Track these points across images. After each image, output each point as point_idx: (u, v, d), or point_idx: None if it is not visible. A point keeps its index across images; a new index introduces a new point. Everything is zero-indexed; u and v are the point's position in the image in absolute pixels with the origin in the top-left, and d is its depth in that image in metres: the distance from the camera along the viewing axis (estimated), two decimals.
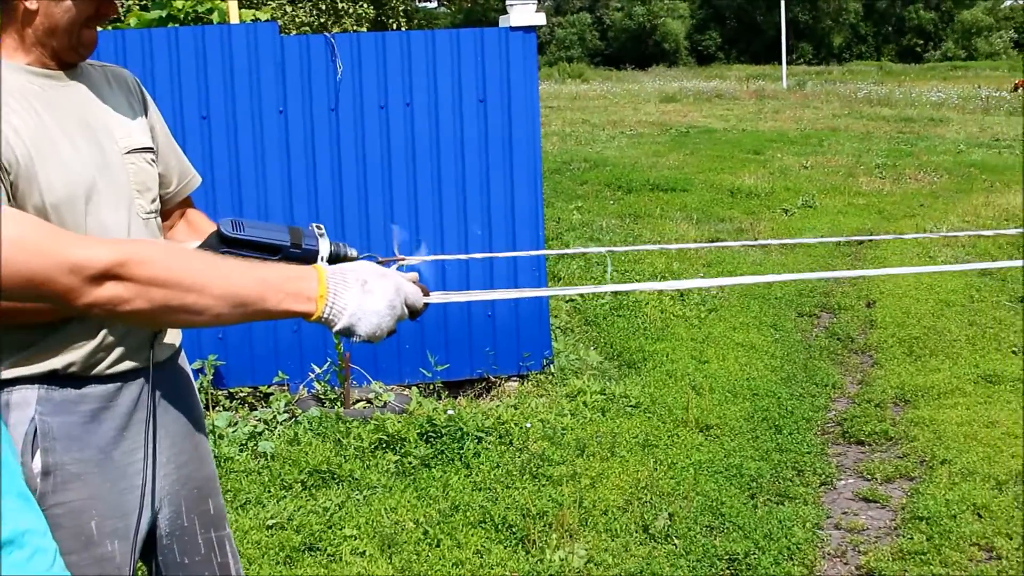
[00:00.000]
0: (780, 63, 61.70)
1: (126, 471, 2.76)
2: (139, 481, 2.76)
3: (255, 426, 6.73)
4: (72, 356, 2.65)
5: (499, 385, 7.85)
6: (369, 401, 7.20)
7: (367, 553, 5.18)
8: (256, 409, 7.24)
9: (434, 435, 6.49)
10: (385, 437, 6.44)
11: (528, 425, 6.77)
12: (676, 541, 5.42)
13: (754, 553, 5.27)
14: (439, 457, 6.31)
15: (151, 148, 2.94)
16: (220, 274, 2.24)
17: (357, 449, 6.39)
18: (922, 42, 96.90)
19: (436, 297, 2.57)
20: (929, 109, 38.42)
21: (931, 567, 5.15)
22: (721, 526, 5.60)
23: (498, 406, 7.18)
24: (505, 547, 5.27)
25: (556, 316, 9.38)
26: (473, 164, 7.59)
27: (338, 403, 7.08)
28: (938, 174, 20.89)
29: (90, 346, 2.68)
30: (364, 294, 2.34)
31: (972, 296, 10.66)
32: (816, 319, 10.33)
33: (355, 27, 16.64)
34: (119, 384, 2.76)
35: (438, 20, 59.28)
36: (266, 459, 6.30)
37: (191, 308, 2.19)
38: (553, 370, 7.93)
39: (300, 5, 16.12)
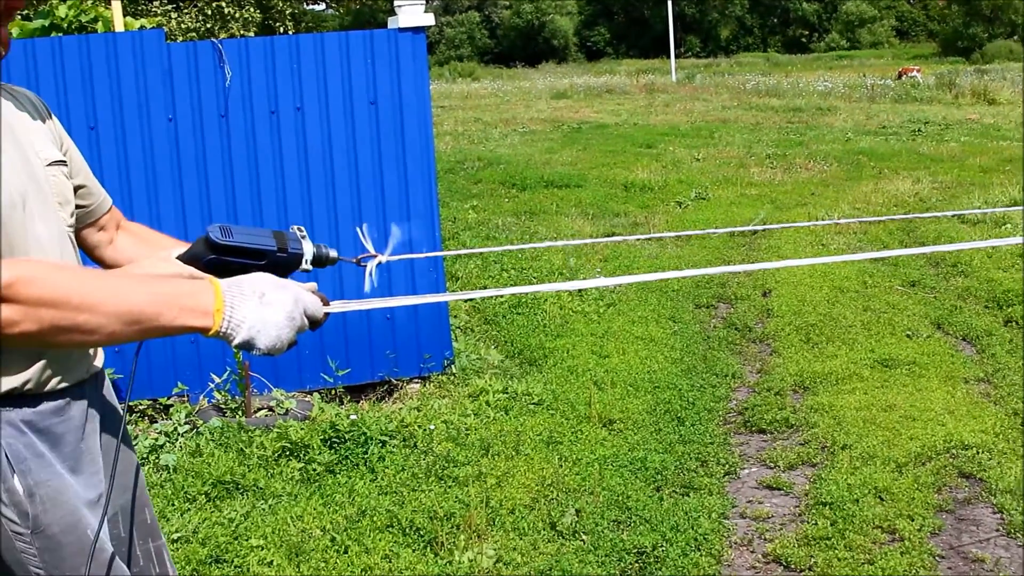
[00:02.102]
0: (669, 57, 62.25)
1: (91, 481, 2.70)
2: (103, 489, 2.72)
3: (156, 439, 6.62)
4: (27, 374, 2.55)
5: (401, 388, 7.81)
6: (271, 409, 7.13)
7: (275, 563, 5.12)
8: (156, 421, 7.13)
9: (338, 441, 6.44)
10: (288, 445, 6.38)
11: (432, 427, 6.75)
12: (584, 537, 5.43)
13: (662, 545, 5.30)
14: (344, 463, 6.27)
15: (64, 162, 2.83)
16: (112, 291, 2.19)
17: (260, 458, 6.32)
18: (807, 33, 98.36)
19: (336, 306, 2.54)
20: (817, 99, 39.01)
21: (836, 552, 5.20)
22: (628, 520, 5.62)
23: (401, 409, 7.15)
24: (413, 550, 5.24)
25: (455, 316, 9.36)
26: (367, 166, 7.54)
27: (239, 412, 7.00)
28: (828, 162, 21.21)
29: (40, 362, 2.58)
30: (262, 306, 2.30)
31: (865, 282, 10.82)
32: (714, 310, 10.42)
33: (242, 32, 16.47)
34: (67, 399, 2.67)
35: (326, 23, 59.00)
36: (168, 472, 6.21)
37: (83, 327, 2.13)
38: (454, 370, 7.91)
39: (186, 11, 15.92)
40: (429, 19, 7.53)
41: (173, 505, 5.79)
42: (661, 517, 5.62)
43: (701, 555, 5.24)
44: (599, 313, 9.88)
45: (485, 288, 10.67)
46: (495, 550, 5.22)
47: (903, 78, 46.16)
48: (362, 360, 7.75)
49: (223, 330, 2.26)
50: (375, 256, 2.79)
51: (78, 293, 2.11)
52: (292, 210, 7.42)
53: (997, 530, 5.46)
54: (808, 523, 5.59)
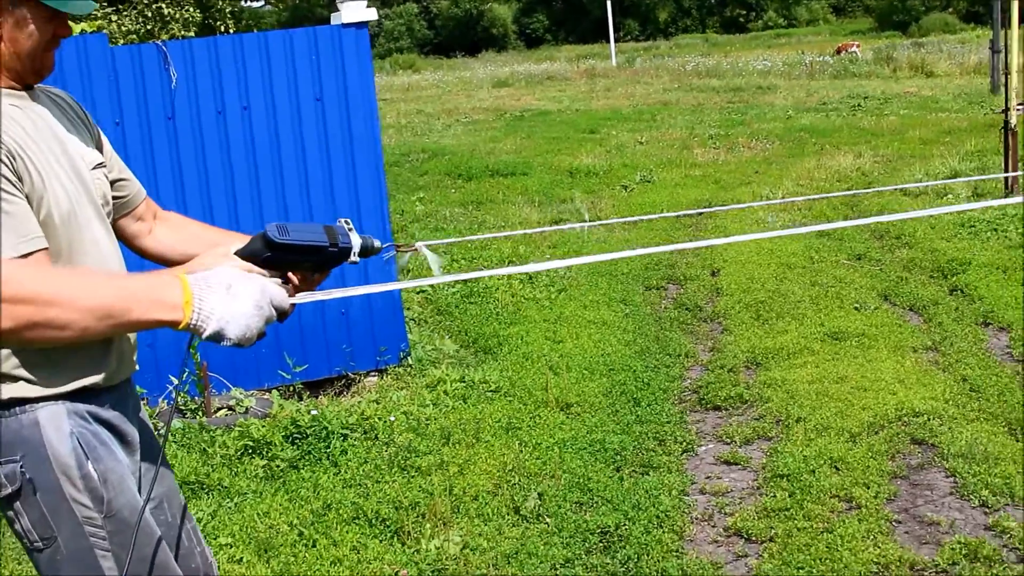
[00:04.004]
0: (608, 41, 62.38)
1: (137, 467, 2.92)
2: (150, 477, 2.95)
3: None
4: (98, 374, 2.76)
5: (358, 381, 7.86)
6: (231, 408, 7.15)
7: (244, 559, 5.17)
8: None
9: (299, 436, 6.49)
10: (250, 443, 6.42)
11: (392, 418, 6.80)
12: (548, 520, 5.51)
13: (624, 524, 5.38)
14: (306, 458, 6.32)
15: (104, 163, 3.00)
16: (83, 288, 2.25)
17: (224, 457, 6.36)
18: (745, 12, 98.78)
19: (302, 297, 2.60)
20: (756, 78, 39.29)
21: (795, 522, 5.31)
22: (590, 501, 5.70)
23: (360, 402, 7.20)
24: (380, 541, 5.30)
25: (409, 308, 9.40)
26: (315, 163, 7.57)
27: (200, 413, 7.03)
28: (770, 141, 21.41)
29: (108, 362, 2.80)
30: (230, 298, 2.37)
31: (812, 258, 10.97)
32: (664, 291, 10.53)
33: (183, 32, 16.41)
34: (119, 393, 2.90)
35: (264, 19, 58.71)
36: None
37: (55, 323, 2.19)
38: (411, 362, 7.97)
39: (125, 13, 15.85)
40: (372, 14, 7.57)
41: None
42: (622, 497, 5.71)
43: (663, 532, 5.34)
44: (551, 299, 9.96)
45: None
46: (461, 536, 5.29)
47: (842, 54, 46.48)
48: (319, 356, 7.79)
49: (193, 322, 2.34)
50: (412, 248, 2.89)
51: (50, 290, 2.17)
52: (242, 208, 7.44)
53: (951, 493, 5.58)
54: (767, 496, 5.69)
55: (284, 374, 7.60)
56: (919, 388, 7.04)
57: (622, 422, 6.87)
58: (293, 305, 2.57)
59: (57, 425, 2.69)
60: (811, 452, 6.11)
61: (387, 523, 5.46)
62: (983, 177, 13.69)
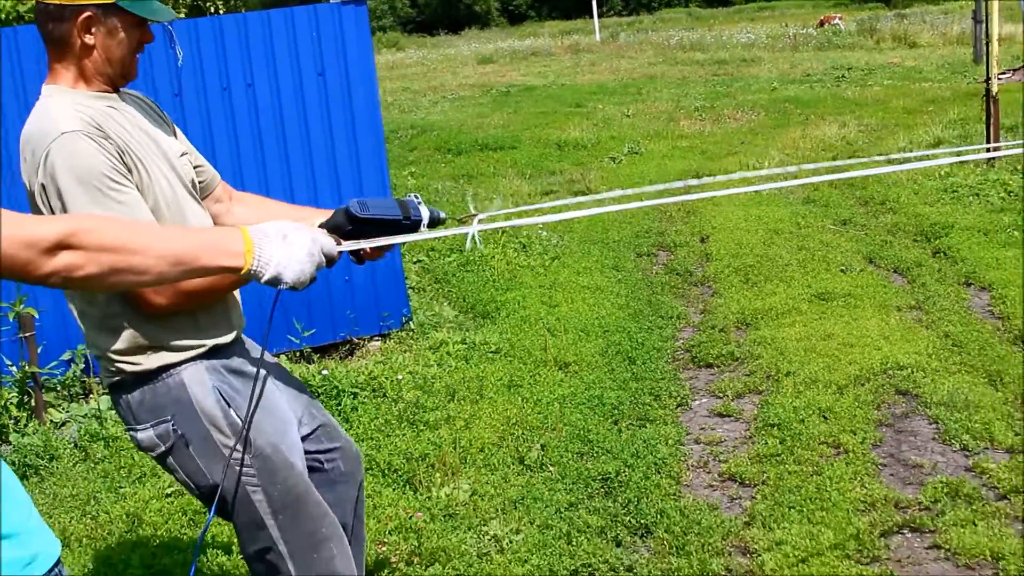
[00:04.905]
0: (592, 16, 62.44)
1: (272, 406, 3.34)
2: (281, 413, 3.38)
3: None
4: (228, 332, 3.26)
5: (362, 346, 8.14)
6: None
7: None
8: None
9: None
10: None
11: (400, 377, 7.09)
12: (551, 468, 5.80)
13: (624, 471, 5.68)
14: None
15: (187, 152, 3.43)
16: (159, 237, 2.53)
17: None
18: None
19: (348, 245, 2.90)
20: (741, 50, 39.43)
21: (786, 466, 5.61)
22: (591, 451, 5.99)
23: (367, 364, 7.48)
24: (394, 489, 5.59)
25: (407, 277, 9.66)
26: (318, 137, 7.83)
27: None
28: (755, 112, 21.67)
29: (231, 320, 3.28)
30: (286, 246, 2.65)
31: (799, 223, 11.25)
32: (654, 258, 10.81)
33: (176, 14, 16.56)
34: (242, 344, 3.38)
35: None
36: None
37: (136, 268, 2.46)
38: (412, 326, 8.25)
39: None
40: None
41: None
42: (621, 447, 6.00)
43: (662, 477, 5.63)
44: (545, 266, 10.24)
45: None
46: (469, 484, 5.58)
47: (825, 26, 46.71)
48: (324, 321, 8.06)
49: (253, 268, 2.62)
50: (476, 216, 3.08)
51: (132, 239, 2.44)
52: (248, 183, 7.68)
53: (933, 439, 5.89)
54: (759, 443, 5.99)
55: (293, 339, 7.87)
56: (903, 344, 7.33)
57: (618, 379, 7.15)
58: (340, 252, 2.87)
59: (200, 381, 3.13)
60: (800, 403, 6.41)
61: (399, 473, 5.75)
62: (966, 147, 13.99)
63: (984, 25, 14.52)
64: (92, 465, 6.22)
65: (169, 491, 5.72)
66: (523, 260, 10.43)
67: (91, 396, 7.20)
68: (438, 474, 5.71)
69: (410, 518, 5.22)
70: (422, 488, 5.58)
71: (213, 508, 3.14)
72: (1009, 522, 4.89)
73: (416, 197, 3.20)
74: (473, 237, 3.01)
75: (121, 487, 5.90)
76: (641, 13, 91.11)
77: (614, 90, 28.47)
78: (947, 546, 4.72)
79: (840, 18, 49.89)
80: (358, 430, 6.35)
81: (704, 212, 12.35)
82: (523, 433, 6.23)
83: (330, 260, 2.80)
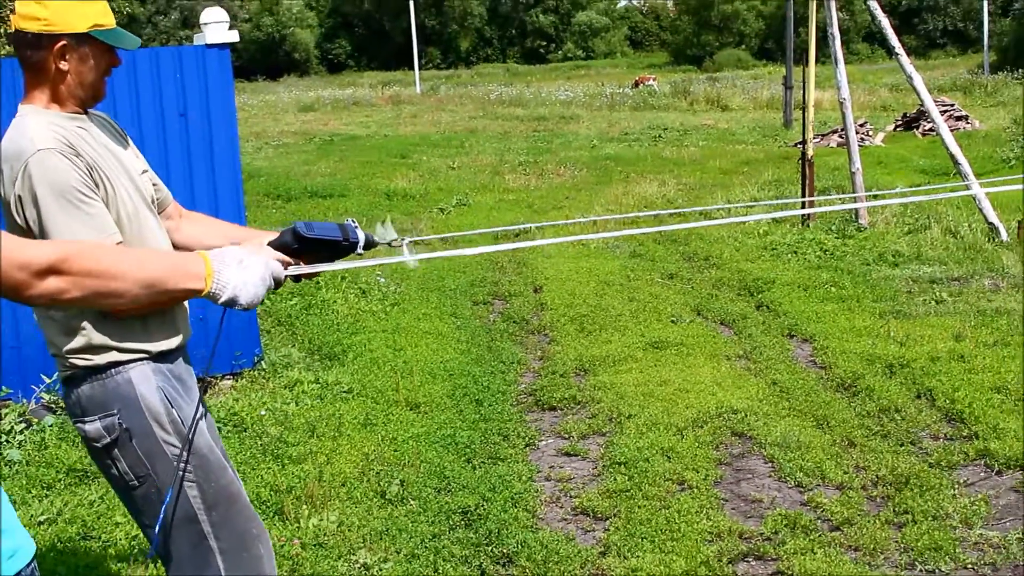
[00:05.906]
0: (412, 68, 62.98)
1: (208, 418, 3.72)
2: (211, 428, 3.72)
3: None
4: (176, 338, 3.55)
5: (215, 385, 8.26)
6: None
7: (139, 536, 5.57)
8: None
9: None
10: None
11: (262, 412, 7.26)
12: (412, 502, 6.04)
13: (483, 505, 5.95)
14: None
15: (147, 170, 3.72)
16: (135, 262, 2.75)
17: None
18: (545, 43, 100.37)
19: (293, 270, 3.18)
20: (559, 107, 40.33)
21: (635, 500, 5.95)
22: (448, 486, 6.26)
23: (226, 400, 7.62)
24: (265, 519, 5.75)
25: None
26: (178, 176, 7.92)
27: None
28: (578, 168, 22.25)
29: (180, 328, 3.57)
30: (242, 270, 2.91)
31: (628, 276, 11.73)
32: (491, 306, 11.13)
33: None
34: (183, 353, 3.67)
35: None
36: (19, 464, 6.56)
37: (115, 292, 2.68)
38: (264, 366, 8.41)
39: None
40: (234, 36, 8.02)
41: (31, 492, 6.17)
42: (477, 482, 6.28)
43: (519, 510, 5.92)
44: (386, 312, 10.48)
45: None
46: (336, 516, 5.79)
47: (640, 87, 48.01)
48: None
49: (212, 290, 2.87)
50: (403, 239, 3.48)
51: (114, 265, 2.66)
52: None
53: (769, 476, 6.32)
54: (607, 480, 6.33)
55: None
56: (735, 390, 7.78)
57: (468, 420, 7.43)
58: (287, 276, 3.13)
59: (147, 380, 3.42)
60: (644, 443, 6.77)
61: (268, 504, 5.93)
62: (782, 200, 14.70)
63: (801, 91, 15.28)
64: None
65: (42, 518, 5.80)
66: (364, 305, 10.65)
67: None
68: (305, 506, 5.90)
69: (283, 546, 5.40)
70: (291, 519, 5.77)
71: (166, 501, 3.40)
72: (844, 550, 5.32)
73: (352, 222, 3.48)
74: (413, 260, 3.37)
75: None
76: (459, 67, 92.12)
77: (437, 142, 28.87)
78: (790, 572, 5.12)
79: (654, 79, 51.37)
80: None
81: (535, 263, 12.76)
82: (383, 469, 6.46)
83: (278, 283, 3.06)
